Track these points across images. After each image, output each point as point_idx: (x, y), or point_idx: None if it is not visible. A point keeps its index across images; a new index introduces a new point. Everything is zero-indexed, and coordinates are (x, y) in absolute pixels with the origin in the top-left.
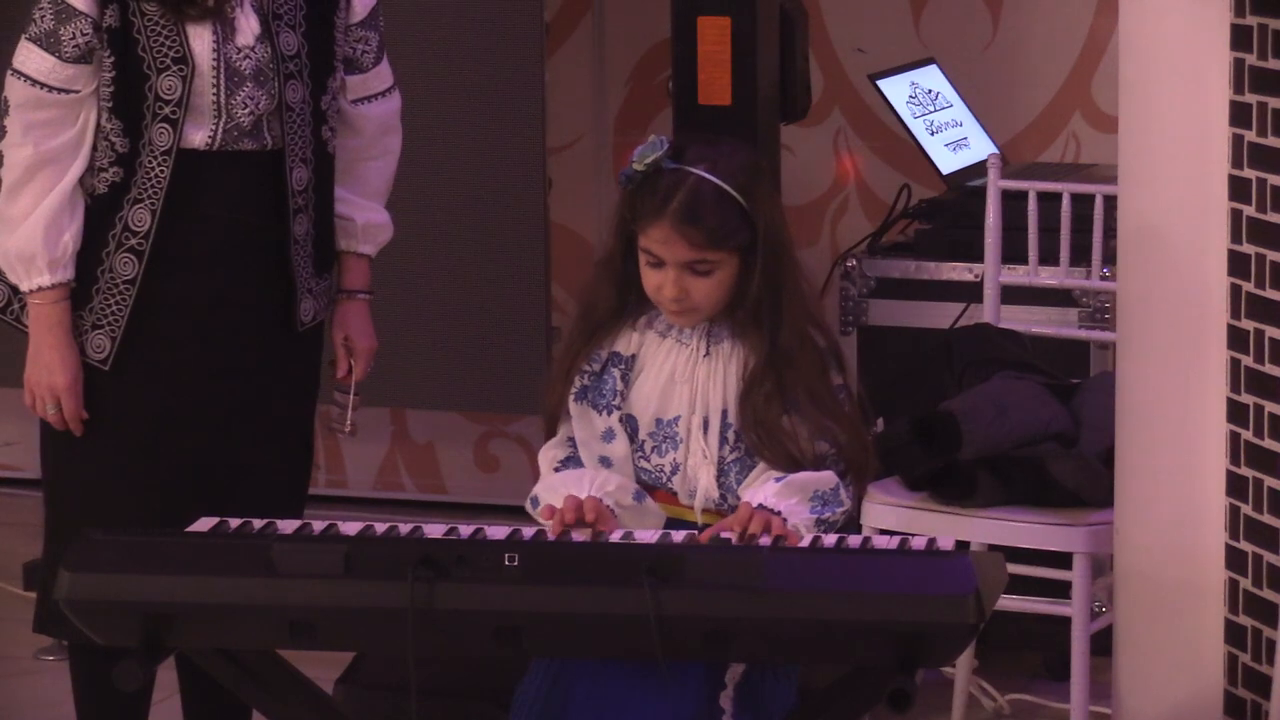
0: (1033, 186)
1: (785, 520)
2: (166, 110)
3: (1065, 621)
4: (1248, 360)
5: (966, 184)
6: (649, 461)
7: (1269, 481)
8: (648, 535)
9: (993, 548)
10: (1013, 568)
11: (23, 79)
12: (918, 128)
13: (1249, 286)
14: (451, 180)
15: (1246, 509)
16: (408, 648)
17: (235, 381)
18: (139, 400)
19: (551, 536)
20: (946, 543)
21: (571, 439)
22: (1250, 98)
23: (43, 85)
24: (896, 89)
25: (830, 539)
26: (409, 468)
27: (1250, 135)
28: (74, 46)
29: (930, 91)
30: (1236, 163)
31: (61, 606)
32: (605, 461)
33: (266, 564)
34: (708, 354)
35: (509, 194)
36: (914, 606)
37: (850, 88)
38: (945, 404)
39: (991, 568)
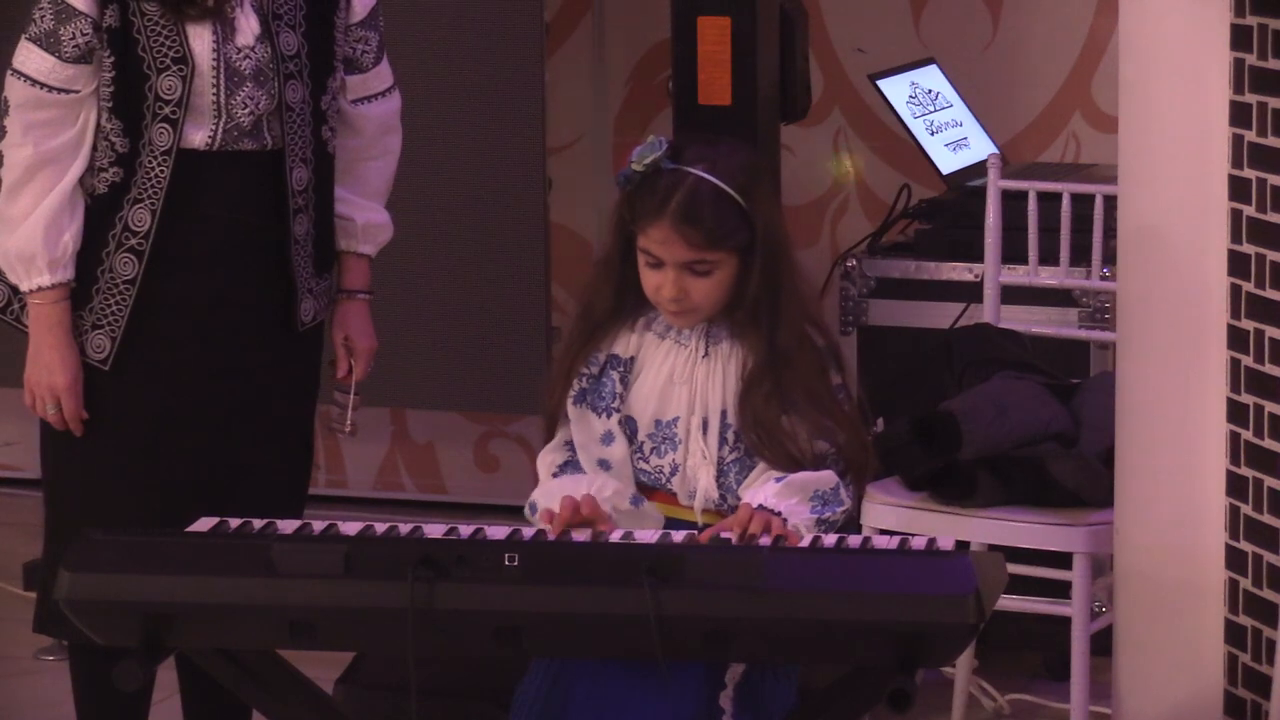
0: (1033, 186)
1: (785, 521)
2: (166, 110)
3: (1065, 621)
4: (1248, 360)
5: (966, 184)
6: (648, 463)
7: (1269, 481)
8: (648, 535)
9: (993, 548)
10: (1013, 568)
11: (23, 79)
12: (918, 128)
13: (1249, 286)
14: (451, 180)
15: (1246, 509)
16: (408, 648)
17: (235, 381)
18: (139, 400)
19: (551, 537)
20: (946, 543)
21: (569, 443)
22: (1250, 98)
23: (43, 85)
24: (896, 89)
25: (830, 539)
26: (409, 468)
27: (1250, 135)
28: (74, 46)
29: (930, 91)
30: (1236, 163)
31: (61, 606)
32: (604, 464)
33: (266, 564)
34: (706, 355)
35: (509, 194)
36: (914, 606)
37: (850, 88)
38: (945, 404)
39: (991, 568)
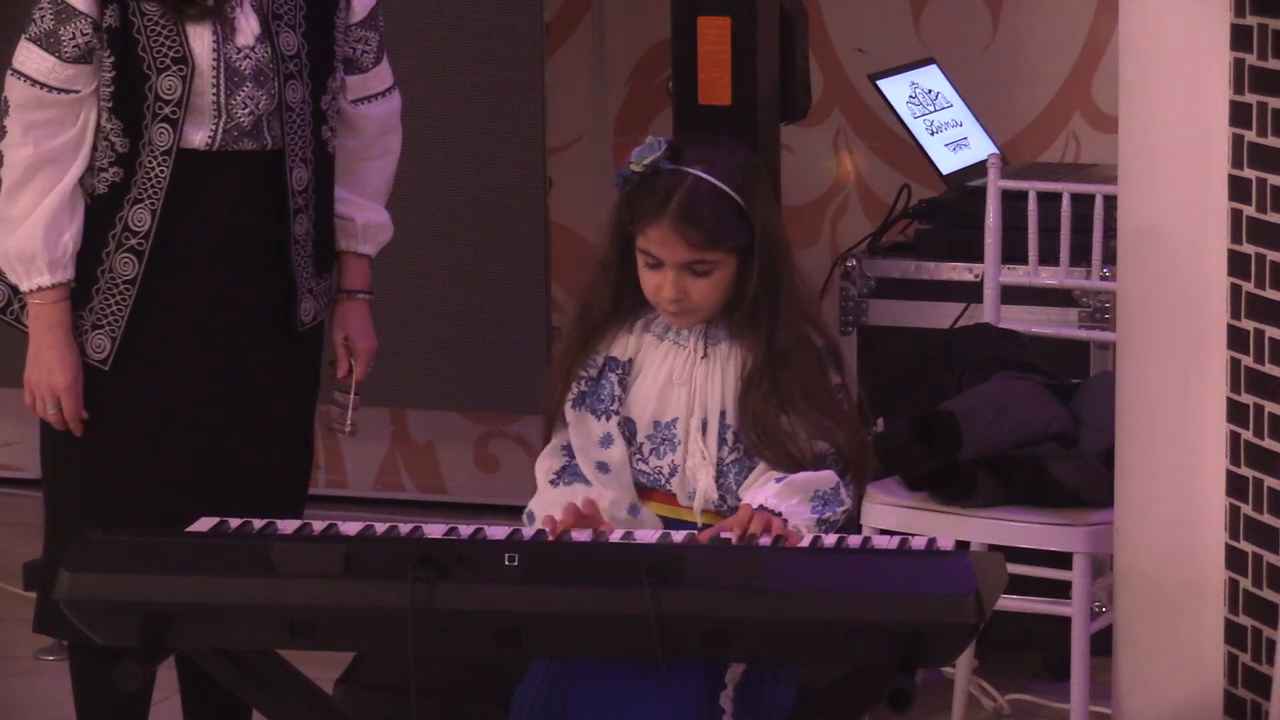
0: (1033, 186)
1: (786, 521)
2: (166, 110)
3: (1065, 621)
4: (1248, 360)
5: (966, 184)
6: (647, 464)
7: (1269, 481)
8: (648, 535)
9: (993, 548)
10: (1013, 568)
11: (23, 79)
12: (918, 128)
13: (1249, 286)
14: (451, 180)
15: (1246, 509)
16: (408, 648)
17: (235, 381)
18: (139, 400)
19: (551, 537)
20: (946, 543)
21: (566, 447)
22: (1250, 98)
23: (43, 85)
24: (896, 89)
25: (830, 539)
26: (409, 468)
27: (1250, 135)
28: (74, 46)
29: (930, 91)
30: (1236, 163)
31: (61, 606)
32: (603, 467)
33: (266, 564)
34: (705, 355)
35: (509, 194)
36: (914, 606)
37: (850, 88)
38: (945, 404)
39: (991, 568)
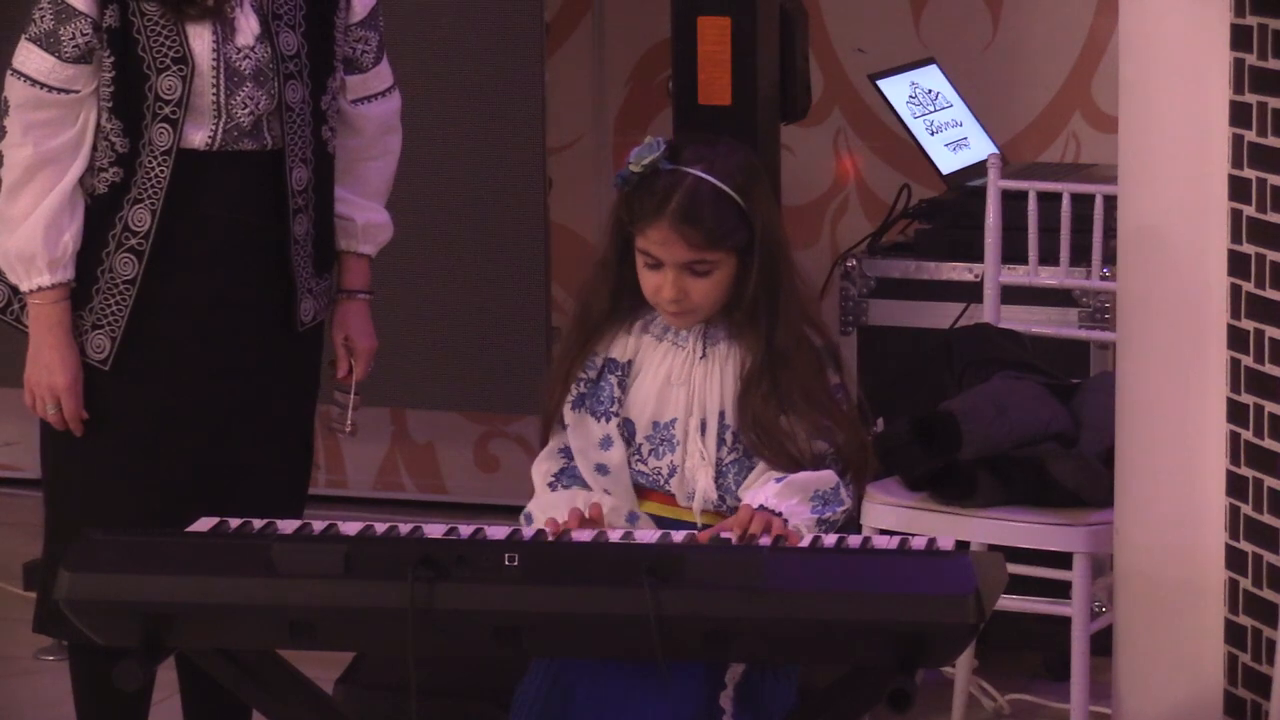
0: (1033, 186)
1: (786, 521)
2: (166, 110)
3: (1065, 621)
4: (1248, 360)
5: (966, 184)
6: (646, 464)
7: (1269, 481)
8: (648, 535)
9: (993, 548)
10: (1013, 568)
11: (23, 79)
12: (918, 128)
13: (1249, 286)
14: (451, 180)
15: (1246, 509)
16: (408, 648)
17: (235, 381)
18: (139, 400)
19: (551, 538)
20: (946, 543)
21: (564, 450)
22: (1250, 98)
23: (43, 85)
24: (896, 89)
25: (830, 539)
26: (409, 468)
27: (1250, 135)
28: (74, 46)
29: (930, 91)
30: (1236, 163)
31: (61, 606)
32: (602, 470)
33: (266, 564)
34: (704, 356)
35: (509, 194)
36: (914, 606)
37: (850, 88)
38: (945, 404)
39: (991, 568)
